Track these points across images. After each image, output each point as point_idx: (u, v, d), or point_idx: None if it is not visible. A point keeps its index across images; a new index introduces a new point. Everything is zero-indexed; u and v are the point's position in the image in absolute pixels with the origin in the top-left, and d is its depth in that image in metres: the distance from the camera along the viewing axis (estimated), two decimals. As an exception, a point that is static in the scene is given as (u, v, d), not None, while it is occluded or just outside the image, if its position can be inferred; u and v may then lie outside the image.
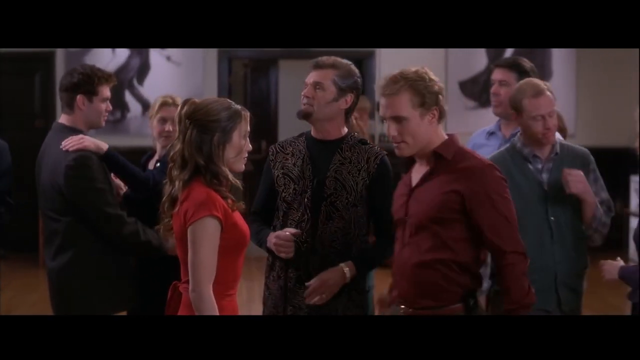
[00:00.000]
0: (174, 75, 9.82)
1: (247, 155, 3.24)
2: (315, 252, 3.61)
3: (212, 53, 9.89)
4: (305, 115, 3.67)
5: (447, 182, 3.17)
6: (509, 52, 9.56)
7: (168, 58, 9.83)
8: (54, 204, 3.88)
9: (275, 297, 3.68)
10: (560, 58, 10.07)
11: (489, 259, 3.74)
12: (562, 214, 3.81)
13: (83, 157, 3.82)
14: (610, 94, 10.07)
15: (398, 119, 3.19)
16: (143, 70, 9.85)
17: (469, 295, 3.20)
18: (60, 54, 9.64)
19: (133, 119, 9.76)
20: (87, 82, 3.92)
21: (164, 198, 3.19)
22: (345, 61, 3.69)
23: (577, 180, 3.76)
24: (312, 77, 3.66)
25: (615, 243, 7.98)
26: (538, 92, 3.81)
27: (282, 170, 3.71)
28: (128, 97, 9.81)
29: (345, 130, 3.73)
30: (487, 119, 4.51)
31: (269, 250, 3.65)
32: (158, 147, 4.35)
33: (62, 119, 4.00)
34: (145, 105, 9.50)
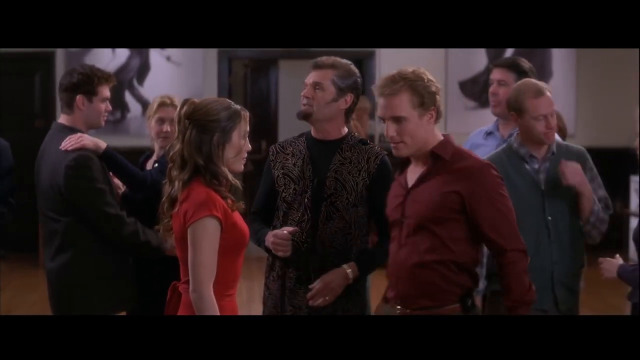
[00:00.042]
0: (174, 75, 9.82)
1: (246, 155, 3.24)
2: (315, 253, 3.61)
3: (212, 53, 9.89)
4: (305, 116, 3.67)
5: (445, 182, 3.18)
6: (509, 52, 9.56)
7: (168, 58, 9.84)
8: (53, 204, 3.87)
9: (275, 297, 3.68)
10: (560, 58, 10.07)
11: (484, 260, 3.76)
12: (559, 214, 3.81)
13: (83, 157, 3.82)
14: (610, 94, 10.07)
15: (397, 119, 3.19)
16: (143, 71, 9.86)
17: (467, 295, 3.21)
18: (60, 54, 9.65)
19: (133, 119, 9.77)
20: (87, 82, 3.92)
21: (164, 198, 3.19)
22: (344, 61, 3.69)
23: (574, 172, 3.77)
24: (311, 77, 3.65)
25: (615, 243, 7.98)
26: (539, 93, 3.81)
27: (282, 171, 3.70)
28: (128, 97, 9.81)
29: (346, 130, 3.73)
30: (487, 119, 4.51)
31: (267, 250, 3.65)
32: (156, 147, 4.34)
33: (62, 119, 3.99)
34: (146, 106, 9.48)
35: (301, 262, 3.62)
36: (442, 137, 3.26)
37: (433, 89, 3.21)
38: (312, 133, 3.74)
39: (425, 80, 3.20)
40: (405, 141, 3.21)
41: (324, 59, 3.67)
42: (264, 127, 11.74)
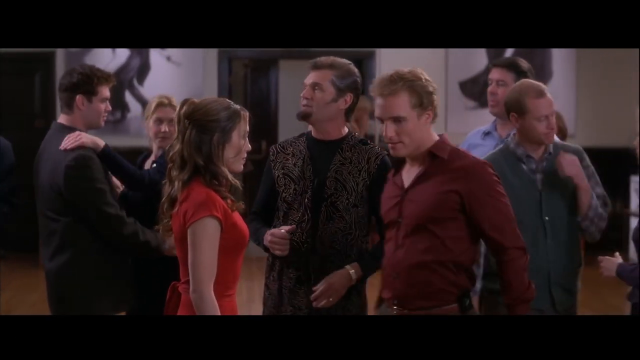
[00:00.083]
0: (174, 75, 9.82)
1: (246, 155, 3.24)
2: (315, 253, 3.61)
3: (212, 53, 9.89)
4: (304, 117, 3.67)
5: (443, 181, 3.18)
6: (509, 52, 9.56)
7: (168, 58, 9.84)
8: (52, 204, 3.87)
9: (275, 297, 3.68)
10: (560, 58, 10.07)
11: (481, 260, 3.76)
12: (556, 214, 3.81)
13: (83, 157, 3.82)
14: (610, 94, 10.07)
15: (397, 120, 3.19)
16: (143, 71, 9.86)
17: (464, 295, 3.21)
18: (60, 54, 9.64)
19: (133, 119, 9.76)
20: (86, 82, 3.92)
21: (163, 198, 3.19)
22: (343, 61, 3.68)
23: (571, 164, 3.77)
24: (310, 78, 3.65)
25: (615, 243, 7.97)
26: (540, 93, 3.81)
27: (282, 171, 3.70)
28: (128, 97, 9.81)
29: (346, 130, 3.73)
30: (487, 119, 4.51)
31: (266, 249, 3.65)
32: (154, 147, 4.34)
33: (61, 118, 3.99)
34: (146, 106, 9.49)
35: (301, 262, 3.62)
36: (437, 137, 3.27)
37: (430, 88, 3.22)
38: (313, 133, 3.74)
39: (423, 80, 3.21)
40: (404, 141, 3.21)
41: (322, 59, 3.67)
42: (264, 127, 11.74)
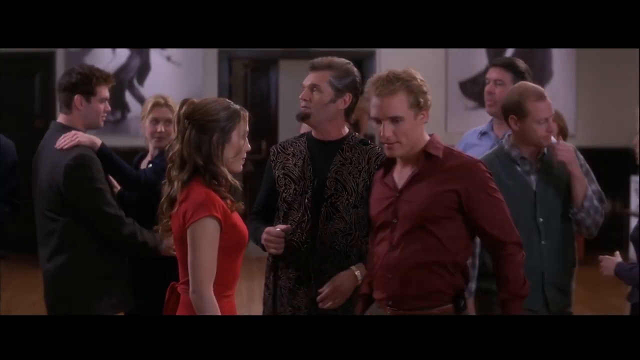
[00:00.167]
0: (174, 75, 9.82)
1: (246, 155, 3.24)
2: (315, 253, 3.60)
3: (212, 53, 9.89)
4: (304, 118, 3.67)
5: (439, 181, 3.18)
6: (509, 52, 9.56)
7: (168, 58, 9.84)
8: (51, 203, 3.86)
9: (275, 298, 3.68)
10: (560, 58, 10.07)
11: (476, 261, 3.76)
12: (550, 215, 3.81)
13: (83, 156, 3.82)
14: (610, 94, 10.07)
15: (394, 120, 3.19)
16: (143, 71, 9.86)
17: (459, 295, 3.22)
18: (60, 54, 9.65)
19: (133, 119, 9.75)
20: (85, 82, 3.92)
21: (163, 199, 3.19)
22: (342, 61, 3.68)
23: (565, 150, 3.77)
24: (308, 79, 3.65)
25: (615, 243, 7.96)
26: (541, 96, 3.80)
27: (282, 171, 3.70)
28: (128, 97, 9.81)
29: (346, 130, 3.73)
30: (487, 119, 4.50)
31: (264, 248, 3.65)
32: (150, 147, 4.34)
33: (60, 118, 3.99)
34: (144, 106, 9.50)
35: (301, 262, 3.61)
36: (429, 137, 3.27)
37: (425, 88, 3.23)
38: (313, 133, 3.74)
39: (418, 80, 3.22)
40: (401, 141, 3.21)
41: (320, 60, 3.66)
42: (264, 127, 11.74)
